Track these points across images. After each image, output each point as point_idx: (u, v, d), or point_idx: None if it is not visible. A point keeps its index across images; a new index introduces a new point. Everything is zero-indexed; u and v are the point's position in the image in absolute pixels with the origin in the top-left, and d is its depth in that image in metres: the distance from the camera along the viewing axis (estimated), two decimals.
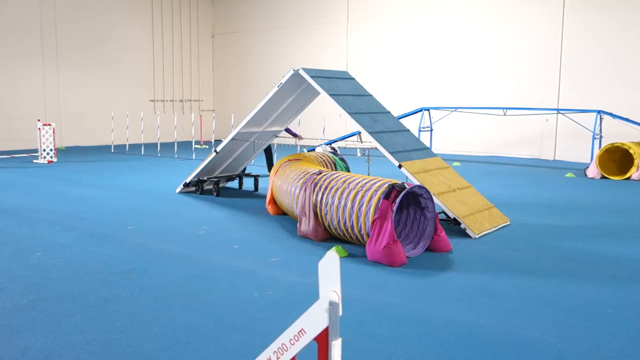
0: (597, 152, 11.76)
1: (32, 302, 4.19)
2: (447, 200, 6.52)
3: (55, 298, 4.29)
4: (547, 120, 15.12)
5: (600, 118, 12.78)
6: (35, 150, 14.83)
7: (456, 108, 14.85)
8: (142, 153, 15.79)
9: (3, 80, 16.60)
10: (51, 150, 13.54)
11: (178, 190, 9.20)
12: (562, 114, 14.01)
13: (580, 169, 12.61)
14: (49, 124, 13.59)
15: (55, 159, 13.59)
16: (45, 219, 7.09)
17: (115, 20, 19.25)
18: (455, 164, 13.53)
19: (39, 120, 14.02)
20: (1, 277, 4.79)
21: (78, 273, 4.91)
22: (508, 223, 6.99)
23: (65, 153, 15.86)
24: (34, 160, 13.61)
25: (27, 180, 10.50)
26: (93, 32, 18.64)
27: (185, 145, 17.86)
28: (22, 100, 17.02)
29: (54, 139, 13.57)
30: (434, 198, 6.12)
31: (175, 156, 15.10)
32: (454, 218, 6.37)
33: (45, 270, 4.98)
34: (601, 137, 12.77)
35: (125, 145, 17.17)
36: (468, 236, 6.30)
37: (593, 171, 11.43)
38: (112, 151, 16.43)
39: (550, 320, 3.93)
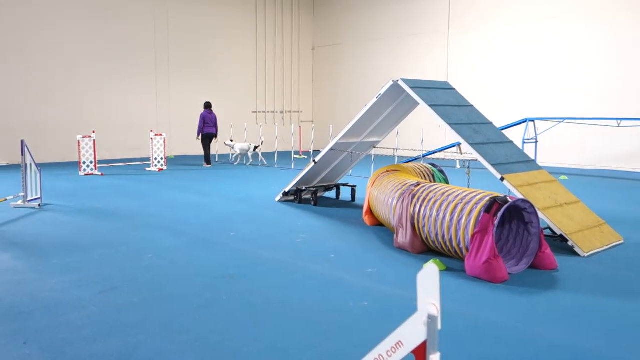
0: None
1: (142, 301, 4.46)
2: (553, 215, 6.18)
3: (163, 298, 4.54)
4: None
5: None
6: (148, 159, 15.85)
7: (564, 119, 14.08)
8: (245, 162, 16.40)
9: (121, 95, 17.94)
10: (162, 158, 14.41)
11: (277, 198, 9.45)
12: None
13: None
14: (160, 134, 14.49)
15: (165, 167, 14.44)
16: (155, 223, 7.55)
17: (220, 37, 20.18)
18: (563, 177, 12.82)
19: (151, 131, 14.97)
20: (115, 276, 5.15)
21: (184, 275, 5.18)
22: (622, 242, 6.50)
23: (174, 161, 16.82)
24: (147, 168, 14.55)
25: (140, 187, 11.23)
26: (200, 49, 19.68)
27: (285, 155, 18.32)
28: (137, 112, 18.29)
29: (164, 148, 14.44)
30: (539, 213, 5.84)
31: (276, 165, 15.53)
32: (561, 235, 6.03)
33: (154, 272, 5.30)
34: None
35: (229, 154, 17.89)
36: (576, 254, 5.94)
37: None
38: (217, 160, 17.19)
39: None
